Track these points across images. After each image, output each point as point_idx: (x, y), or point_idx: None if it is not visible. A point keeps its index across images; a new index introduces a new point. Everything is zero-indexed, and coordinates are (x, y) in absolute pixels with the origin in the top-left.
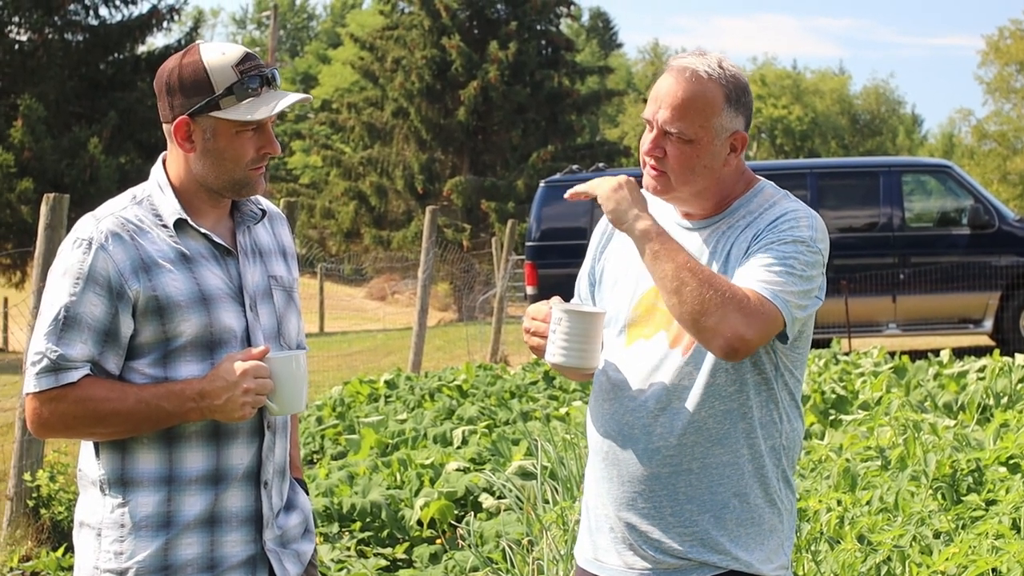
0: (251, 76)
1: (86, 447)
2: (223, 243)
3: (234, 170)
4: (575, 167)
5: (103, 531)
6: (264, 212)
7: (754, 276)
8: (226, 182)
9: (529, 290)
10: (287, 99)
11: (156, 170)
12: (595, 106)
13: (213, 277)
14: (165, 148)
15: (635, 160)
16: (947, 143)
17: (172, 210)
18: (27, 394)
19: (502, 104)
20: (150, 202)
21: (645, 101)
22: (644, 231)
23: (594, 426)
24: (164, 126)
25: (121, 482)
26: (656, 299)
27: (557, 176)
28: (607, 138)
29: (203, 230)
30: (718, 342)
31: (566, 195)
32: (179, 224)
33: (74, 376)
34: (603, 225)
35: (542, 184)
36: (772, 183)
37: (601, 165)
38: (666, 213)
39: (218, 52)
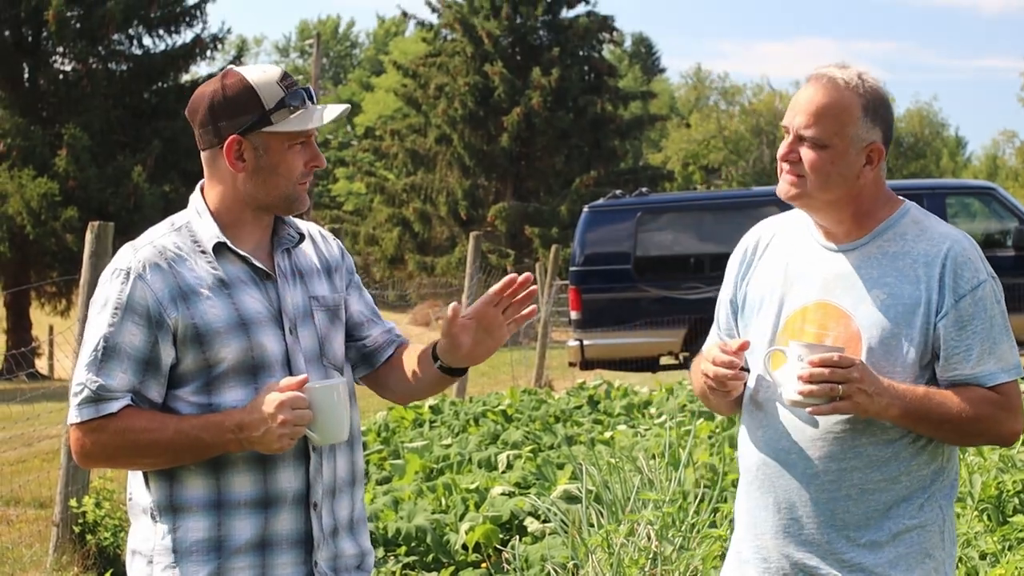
0: (294, 92)
1: (135, 475)
2: (262, 266)
3: (286, 185)
4: (619, 192)
5: (155, 558)
6: (301, 235)
7: (987, 365)
8: (277, 198)
9: (573, 315)
10: (333, 109)
11: (194, 197)
12: (638, 131)
13: (252, 301)
14: None
15: (678, 185)
16: (991, 165)
17: (211, 235)
18: (70, 424)
19: (545, 130)
20: (188, 229)
21: (688, 126)
22: (901, 416)
23: (748, 453)
24: (205, 153)
25: (171, 508)
26: (804, 322)
27: (601, 201)
28: (650, 163)
29: (243, 253)
30: (1002, 444)
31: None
32: (218, 248)
33: (114, 407)
34: (741, 251)
35: (586, 209)
36: (915, 203)
37: (644, 190)
38: (808, 235)
39: (259, 71)
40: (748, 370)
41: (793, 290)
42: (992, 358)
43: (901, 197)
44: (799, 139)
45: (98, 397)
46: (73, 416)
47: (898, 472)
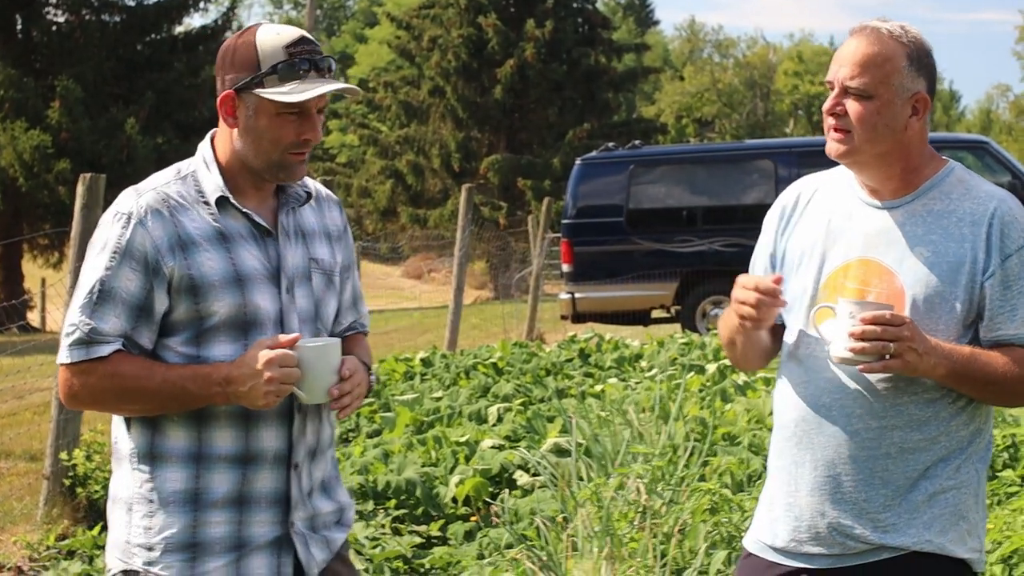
0: (300, 59)
1: (119, 422)
2: (264, 223)
3: (271, 151)
4: (612, 144)
5: (134, 505)
6: (310, 194)
7: None
8: (264, 163)
9: (565, 268)
10: (328, 86)
11: (203, 146)
12: (632, 84)
13: (250, 258)
14: (201, 128)
15: (671, 137)
16: (985, 119)
17: (215, 187)
18: (60, 364)
19: (538, 82)
20: (194, 178)
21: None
22: (947, 375)
23: (786, 409)
24: (218, 102)
25: (151, 457)
26: (845, 278)
27: (593, 154)
28: (644, 115)
29: (245, 209)
30: None
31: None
32: (221, 202)
33: (105, 350)
34: (780, 207)
35: (578, 162)
36: (959, 163)
37: (637, 142)
38: (850, 192)
39: (273, 32)
40: (783, 325)
41: (835, 247)
42: None
43: (945, 158)
44: (844, 92)
45: (90, 340)
46: (63, 356)
47: (937, 432)
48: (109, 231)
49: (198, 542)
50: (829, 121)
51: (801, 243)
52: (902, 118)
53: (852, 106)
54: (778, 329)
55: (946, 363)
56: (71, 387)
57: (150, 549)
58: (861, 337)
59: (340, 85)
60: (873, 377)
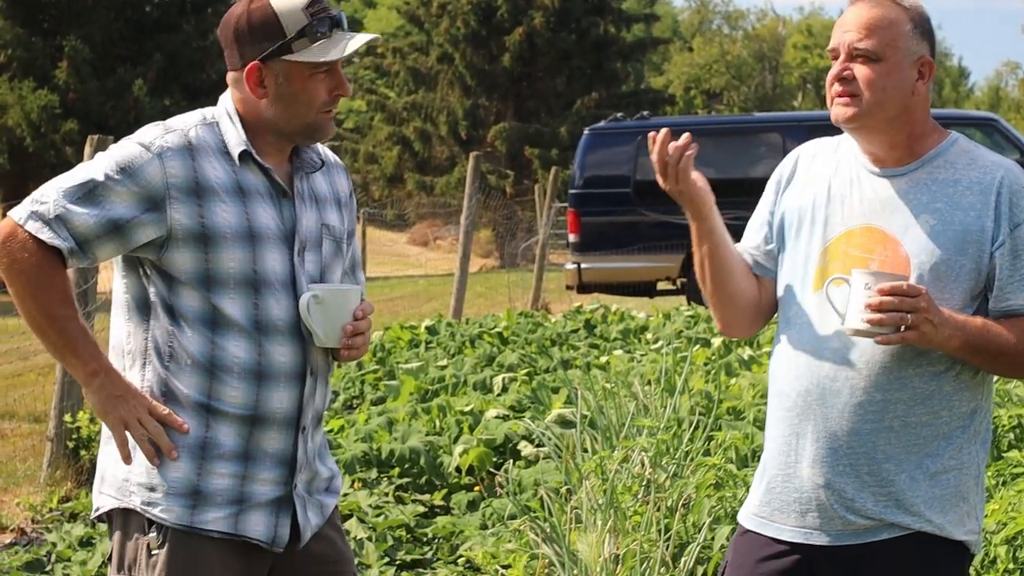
0: (320, 19)
1: (135, 356)
2: (282, 183)
3: (307, 113)
4: (619, 115)
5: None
6: (323, 162)
7: None
8: (299, 126)
9: (571, 238)
10: (358, 39)
11: (225, 98)
12: (640, 54)
13: (265, 215)
14: (209, 91)
15: (679, 109)
16: (993, 96)
17: (238, 140)
18: (12, 218)
19: (547, 51)
20: (219, 127)
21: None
22: (961, 347)
23: (785, 380)
24: (231, 74)
25: (164, 397)
26: (848, 246)
27: (601, 124)
28: (652, 86)
29: (267, 165)
30: None
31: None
32: (243, 156)
33: (55, 241)
34: (778, 172)
35: (586, 131)
36: (962, 135)
37: (646, 113)
38: (852, 158)
39: None
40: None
41: (837, 213)
42: None
43: (948, 130)
44: (851, 56)
45: (52, 220)
46: (20, 214)
47: (940, 407)
48: (125, 151)
49: (201, 490)
50: (836, 88)
51: (800, 205)
52: (909, 81)
53: (860, 70)
54: (763, 283)
55: (960, 335)
56: (4, 243)
57: (152, 490)
58: (879, 308)
59: (367, 36)
60: (878, 349)
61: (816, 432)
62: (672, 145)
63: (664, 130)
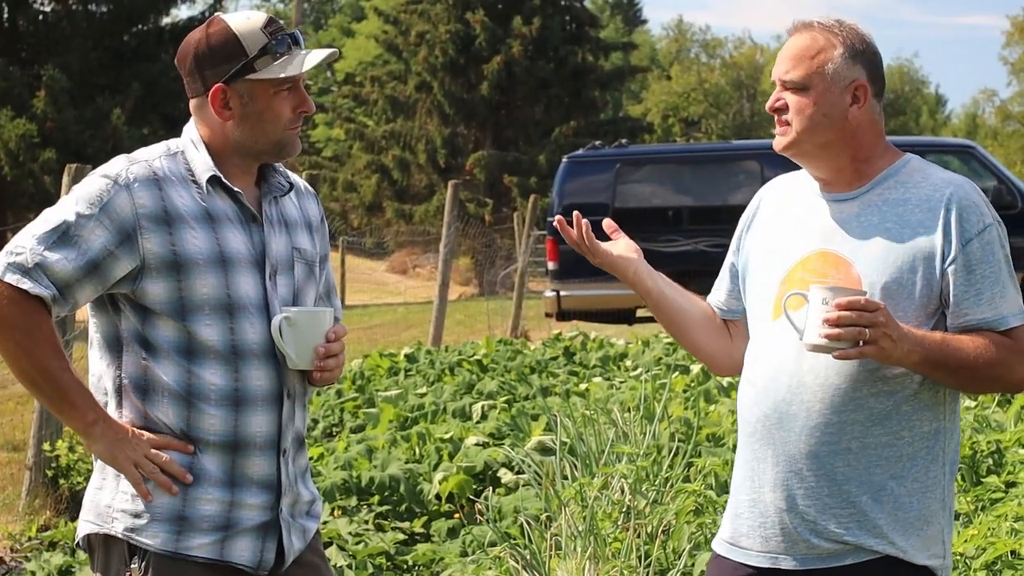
0: (279, 38)
1: (111, 393)
2: (251, 207)
3: (274, 131)
4: (598, 143)
5: (122, 480)
6: (291, 185)
7: (999, 309)
8: (266, 144)
9: (550, 265)
10: (316, 54)
11: (189, 129)
12: (619, 82)
13: (235, 240)
14: (188, 120)
15: (658, 137)
16: (971, 123)
17: (205, 167)
18: None
19: (525, 79)
20: (184, 157)
21: (669, 78)
22: (920, 362)
23: (747, 406)
24: (193, 100)
25: (145, 429)
26: (803, 271)
27: (580, 152)
28: (630, 114)
29: (236, 189)
30: (1015, 390)
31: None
32: (212, 181)
33: (37, 289)
34: (744, 215)
35: (565, 159)
36: (917, 156)
37: (624, 141)
38: (808, 188)
39: (243, 18)
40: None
41: (795, 242)
42: (1003, 302)
43: (904, 152)
44: (783, 87)
45: (31, 269)
46: None
47: (899, 427)
48: (92, 187)
49: (187, 517)
50: (775, 119)
51: (762, 243)
52: (840, 106)
53: (790, 99)
54: (737, 325)
55: (919, 349)
56: None
57: (136, 516)
58: (836, 323)
59: (325, 52)
60: (832, 371)
61: (776, 456)
62: (575, 230)
63: (574, 215)
